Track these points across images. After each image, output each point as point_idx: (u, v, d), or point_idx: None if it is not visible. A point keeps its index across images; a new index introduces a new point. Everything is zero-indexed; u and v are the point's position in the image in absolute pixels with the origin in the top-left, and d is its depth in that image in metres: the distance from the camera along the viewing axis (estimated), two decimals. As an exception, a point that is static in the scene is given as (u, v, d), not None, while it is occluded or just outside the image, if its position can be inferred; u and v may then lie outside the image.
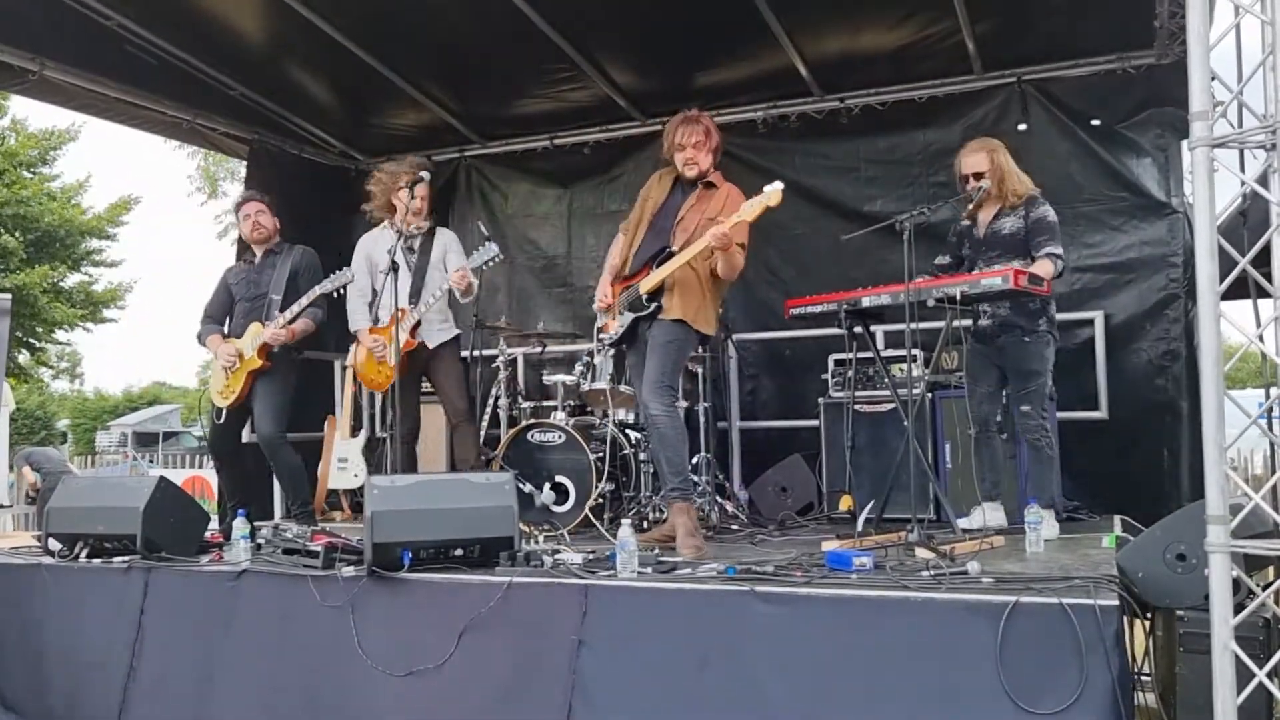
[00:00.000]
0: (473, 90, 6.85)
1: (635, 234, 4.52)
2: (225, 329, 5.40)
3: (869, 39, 5.93)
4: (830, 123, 6.58)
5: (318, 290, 5.09)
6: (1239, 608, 2.81)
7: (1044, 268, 4.52)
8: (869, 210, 6.24)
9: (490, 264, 5.16)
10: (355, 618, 3.72)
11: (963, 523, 4.52)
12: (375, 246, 5.38)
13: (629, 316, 4.42)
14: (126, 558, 4.32)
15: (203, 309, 5.47)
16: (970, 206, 4.81)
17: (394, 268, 4.76)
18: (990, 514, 4.69)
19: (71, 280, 21.40)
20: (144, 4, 5.62)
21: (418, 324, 5.18)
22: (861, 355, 5.22)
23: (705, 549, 4.11)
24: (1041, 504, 4.47)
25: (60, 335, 22.18)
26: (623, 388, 5.51)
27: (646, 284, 4.32)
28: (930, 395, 5.27)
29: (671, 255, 4.28)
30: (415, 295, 5.21)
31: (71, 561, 4.43)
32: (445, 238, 5.50)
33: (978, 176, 4.70)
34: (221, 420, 5.30)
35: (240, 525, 4.34)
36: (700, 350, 5.42)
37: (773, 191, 4.01)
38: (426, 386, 5.49)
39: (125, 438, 29.04)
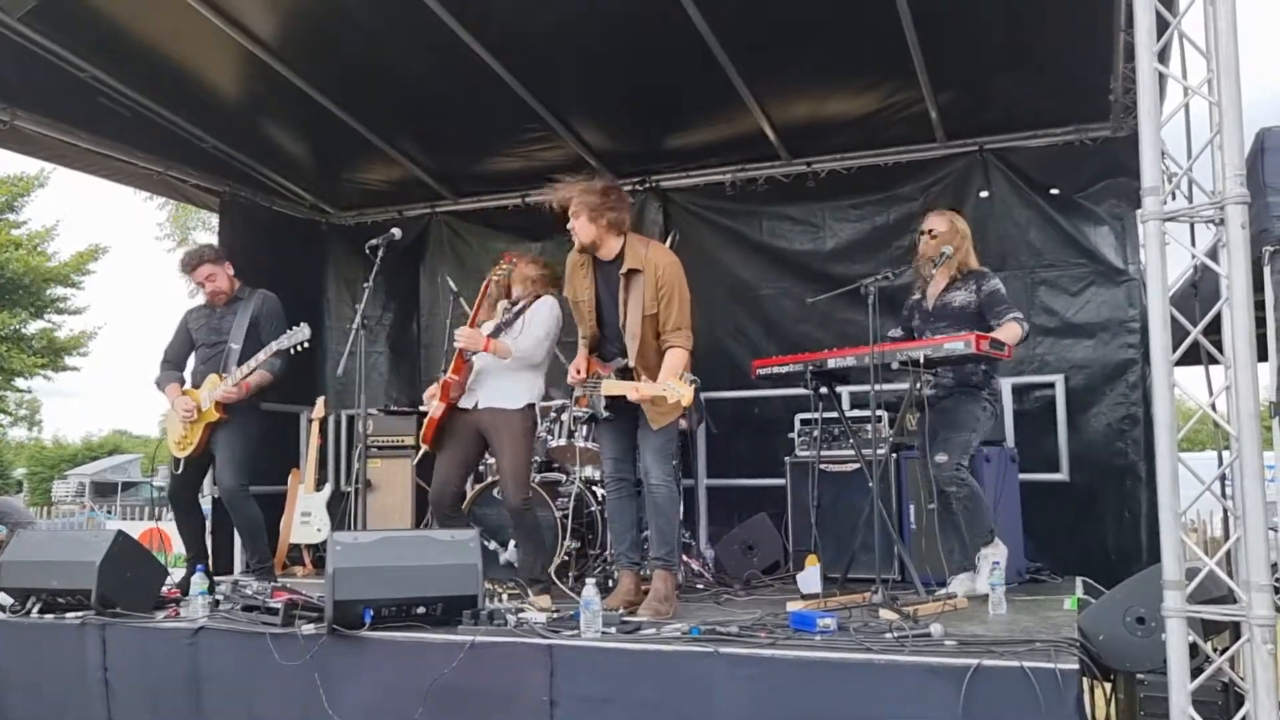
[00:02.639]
0: (445, 148, 6.91)
1: (591, 328, 4.46)
2: (186, 372, 5.31)
3: (835, 106, 6.07)
4: (797, 186, 6.69)
5: (274, 346, 4.98)
6: (1197, 672, 2.84)
7: (1011, 331, 4.59)
8: (834, 273, 6.30)
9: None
10: (320, 676, 3.67)
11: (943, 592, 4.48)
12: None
13: (598, 403, 4.37)
14: (80, 613, 4.24)
15: (163, 352, 5.39)
16: (934, 269, 4.89)
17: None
18: (966, 584, 4.58)
19: (34, 327, 21.17)
20: (118, 57, 5.65)
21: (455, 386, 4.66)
22: (827, 415, 5.27)
23: (669, 613, 4.08)
24: (982, 543, 4.52)
25: (20, 383, 21.87)
26: (590, 444, 5.50)
27: (608, 389, 4.28)
28: (895, 456, 5.31)
29: (628, 371, 4.26)
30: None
31: (23, 617, 4.34)
32: (543, 308, 4.85)
33: (932, 235, 4.81)
34: (180, 471, 5.20)
35: (198, 581, 4.28)
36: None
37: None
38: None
39: (83, 487, 28.53)
